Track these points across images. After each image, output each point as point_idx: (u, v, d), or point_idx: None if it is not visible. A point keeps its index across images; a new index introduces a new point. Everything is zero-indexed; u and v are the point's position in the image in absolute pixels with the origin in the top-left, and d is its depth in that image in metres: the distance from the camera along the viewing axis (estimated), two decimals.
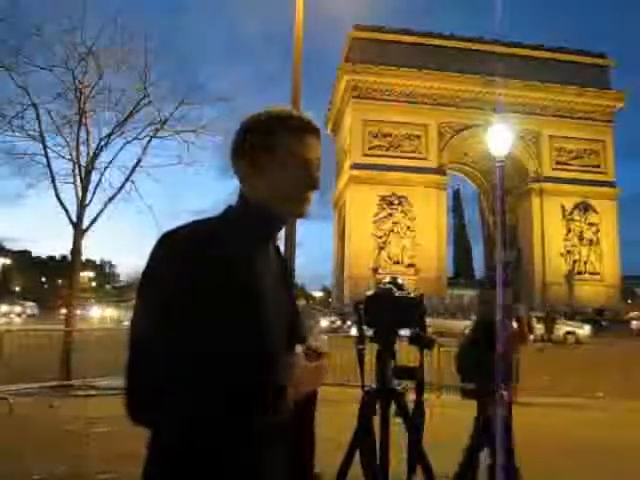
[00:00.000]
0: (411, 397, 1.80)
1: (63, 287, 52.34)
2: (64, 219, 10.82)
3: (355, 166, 48.16)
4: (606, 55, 54.74)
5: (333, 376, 8.58)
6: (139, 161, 11.58)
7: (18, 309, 45.46)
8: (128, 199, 11.56)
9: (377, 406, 1.82)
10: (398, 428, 1.79)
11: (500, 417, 3.84)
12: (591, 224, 51.15)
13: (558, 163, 51.56)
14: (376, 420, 1.81)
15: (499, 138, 10.91)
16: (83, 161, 11.08)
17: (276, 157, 1.26)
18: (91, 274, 78.44)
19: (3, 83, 11.05)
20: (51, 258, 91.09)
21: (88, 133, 11.17)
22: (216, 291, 1.13)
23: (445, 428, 5.73)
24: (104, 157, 11.42)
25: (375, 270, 43.93)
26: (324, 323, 29.39)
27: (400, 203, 48.54)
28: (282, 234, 1.40)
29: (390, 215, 48.34)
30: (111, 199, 11.21)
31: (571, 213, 51.20)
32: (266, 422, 1.15)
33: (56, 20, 10.80)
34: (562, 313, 32.60)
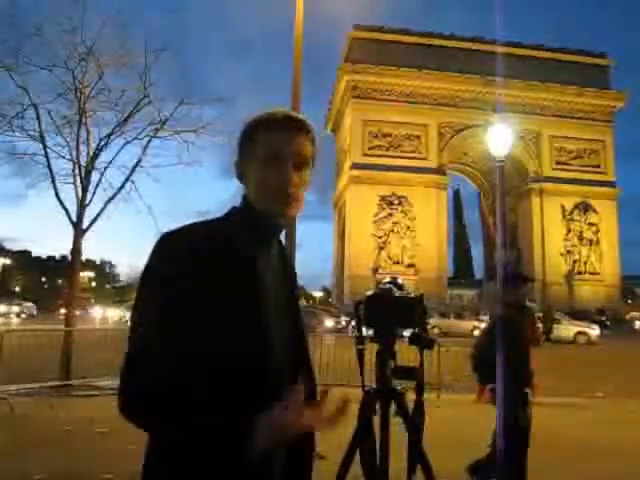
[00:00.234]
0: (411, 397, 1.80)
1: (63, 287, 52.36)
2: (64, 219, 10.83)
3: (355, 166, 48.17)
4: (606, 55, 54.77)
5: (333, 376, 8.58)
6: (139, 161, 11.58)
7: (16, 309, 45.44)
8: (128, 199, 11.56)
9: (377, 406, 1.82)
10: (398, 428, 1.79)
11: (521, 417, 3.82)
12: (591, 224, 51.17)
13: (558, 163, 51.58)
14: (376, 420, 1.82)
15: (499, 138, 10.93)
16: (83, 161, 11.08)
17: (254, 156, 1.26)
18: (91, 274, 78.46)
19: (3, 83, 11.05)
20: (51, 258, 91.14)
21: (88, 133, 11.17)
22: (215, 292, 1.13)
23: (445, 428, 5.73)
24: (104, 157, 11.42)
25: (375, 270, 43.95)
26: (329, 323, 29.23)
27: (400, 203, 48.54)
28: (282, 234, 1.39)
29: (390, 215, 48.35)
30: (111, 199, 11.21)
31: (571, 213, 51.22)
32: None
33: (56, 20, 10.79)
34: (566, 313, 32.37)
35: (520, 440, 3.84)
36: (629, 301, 62.90)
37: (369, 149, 48.89)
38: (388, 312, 1.79)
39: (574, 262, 50.36)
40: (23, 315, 44.64)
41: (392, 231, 48.15)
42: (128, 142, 11.69)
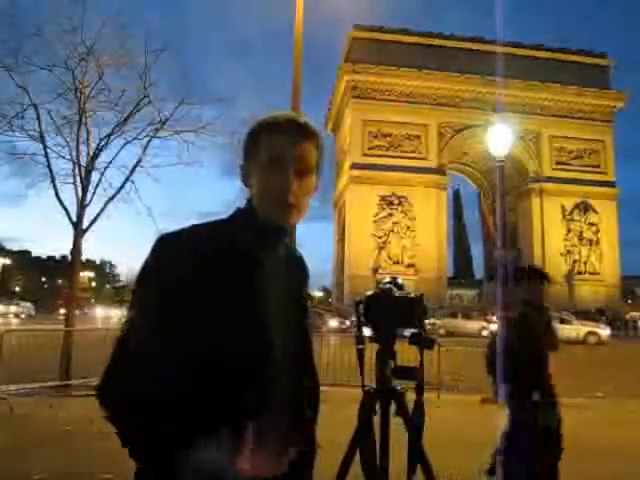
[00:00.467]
0: (411, 397, 1.80)
1: (63, 287, 52.35)
2: (64, 219, 10.83)
3: (355, 166, 48.17)
4: (606, 55, 54.77)
5: (333, 376, 8.59)
6: (139, 161, 11.58)
7: (14, 309, 45.39)
8: (128, 199, 11.56)
9: (377, 406, 1.82)
10: (398, 428, 1.79)
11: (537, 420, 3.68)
12: (591, 224, 51.17)
13: (558, 163, 51.58)
14: (376, 420, 1.81)
15: (499, 138, 10.97)
16: (83, 161, 11.08)
17: (257, 160, 1.23)
18: (91, 274, 78.49)
19: (3, 83, 11.05)
20: (51, 258, 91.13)
21: (88, 133, 11.17)
22: (215, 293, 1.13)
23: (445, 428, 5.74)
24: (104, 157, 11.43)
25: (375, 270, 43.95)
26: (334, 323, 29.12)
27: (400, 203, 48.54)
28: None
29: (390, 215, 48.35)
30: (111, 199, 11.21)
31: (571, 213, 51.22)
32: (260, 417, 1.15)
33: (56, 20, 10.79)
34: (572, 313, 32.25)
35: (544, 442, 3.71)
36: (629, 301, 62.90)
37: (369, 149, 48.88)
38: (388, 312, 1.79)
39: (574, 262, 50.35)
40: (22, 315, 44.60)
41: (392, 231, 48.15)
42: (128, 142, 11.69)
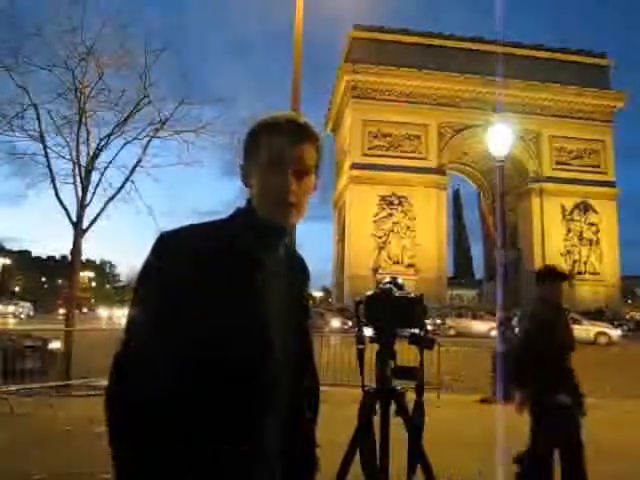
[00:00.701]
0: (411, 397, 1.80)
1: (63, 287, 52.32)
2: (64, 219, 10.84)
3: (355, 166, 48.16)
4: (606, 55, 54.73)
5: (333, 376, 8.59)
6: (139, 161, 11.60)
7: (12, 309, 45.32)
8: (128, 199, 11.58)
9: (377, 406, 1.82)
10: (398, 428, 1.79)
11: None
12: (591, 224, 51.14)
13: (558, 163, 51.55)
14: (376, 420, 1.82)
15: (499, 138, 10.96)
16: (83, 161, 11.09)
17: (257, 160, 1.23)
18: (91, 274, 78.47)
19: (3, 83, 11.07)
20: (51, 258, 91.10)
21: (88, 133, 11.18)
22: (215, 292, 1.13)
23: (445, 428, 5.74)
24: (104, 157, 11.44)
25: (375, 270, 43.92)
26: (336, 324, 28.95)
27: (400, 203, 48.52)
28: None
29: (390, 215, 48.32)
30: (111, 199, 11.22)
31: (571, 213, 51.20)
32: (259, 417, 1.15)
33: (56, 20, 10.80)
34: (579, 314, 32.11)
35: (563, 447, 3.65)
36: (629, 301, 62.91)
37: (369, 149, 48.86)
38: (388, 312, 1.79)
39: (574, 262, 50.32)
40: (22, 316, 44.52)
41: (392, 231, 48.12)
42: (128, 142, 11.71)
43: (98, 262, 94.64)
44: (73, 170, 11.03)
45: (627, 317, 44.30)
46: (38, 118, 10.86)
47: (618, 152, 54.36)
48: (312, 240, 53.65)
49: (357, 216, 47.76)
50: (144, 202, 11.84)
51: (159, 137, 11.83)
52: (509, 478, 3.90)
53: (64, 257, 68.26)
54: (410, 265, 47.31)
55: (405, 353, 1.98)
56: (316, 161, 1.28)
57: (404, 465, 1.75)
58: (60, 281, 74.80)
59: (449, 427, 6.09)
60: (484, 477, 4.60)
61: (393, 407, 1.80)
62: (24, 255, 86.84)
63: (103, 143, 11.34)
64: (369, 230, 47.77)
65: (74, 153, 10.99)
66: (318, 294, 78.01)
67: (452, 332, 29.17)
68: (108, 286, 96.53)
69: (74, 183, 10.97)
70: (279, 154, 1.21)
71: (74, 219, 10.86)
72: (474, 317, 31.93)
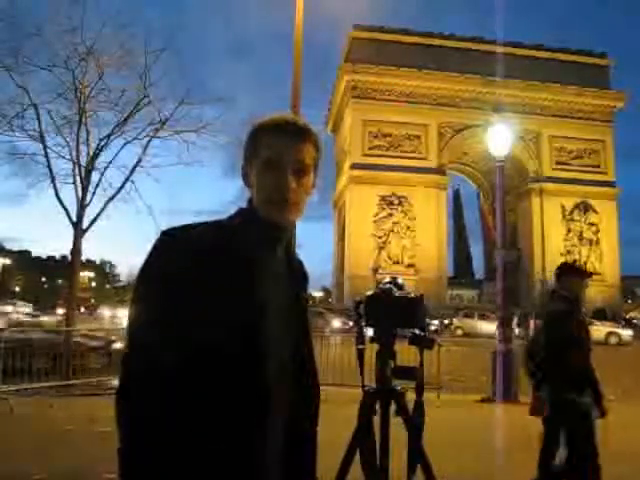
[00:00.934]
0: (411, 397, 1.80)
1: (63, 287, 52.32)
2: (64, 219, 10.86)
3: (355, 166, 48.16)
4: (606, 55, 54.73)
5: (333, 376, 8.59)
6: (139, 161, 11.61)
7: (10, 309, 45.18)
8: (128, 199, 11.59)
9: (377, 406, 1.82)
10: (398, 428, 1.79)
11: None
12: (591, 224, 51.15)
13: (558, 163, 51.55)
14: (376, 420, 1.82)
15: (499, 138, 10.95)
16: (83, 161, 11.11)
17: (256, 160, 1.25)
18: (91, 274, 78.43)
19: (3, 83, 11.08)
20: (51, 258, 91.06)
21: (88, 133, 11.19)
22: (213, 291, 1.14)
23: (445, 428, 5.73)
24: (104, 157, 11.46)
25: (375, 270, 43.91)
26: (337, 324, 28.86)
27: (400, 203, 48.52)
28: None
29: (390, 215, 48.32)
30: (111, 199, 11.24)
31: (571, 213, 51.20)
32: (258, 418, 1.16)
33: (56, 20, 10.80)
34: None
35: (575, 450, 3.52)
36: (629, 301, 62.89)
37: (369, 149, 48.85)
38: (388, 312, 1.79)
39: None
40: (22, 316, 44.43)
41: (392, 231, 48.12)
42: (128, 142, 11.72)
43: (98, 262, 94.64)
44: (73, 170, 11.05)
45: (627, 317, 44.25)
46: (38, 118, 10.87)
47: (618, 152, 54.45)
48: (312, 240, 53.66)
49: (357, 216, 47.76)
50: (144, 202, 11.87)
51: (159, 137, 11.85)
52: (509, 478, 3.89)
53: (64, 257, 68.23)
54: (410, 265, 47.31)
55: (405, 353, 1.98)
56: (315, 161, 1.29)
57: (404, 465, 1.76)
58: (60, 281, 74.80)
59: (449, 427, 6.09)
60: (484, 477, 4.60)
61: (393, 407, 1.80)
62: (24, 255, 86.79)
63: (103, 143, 11.36)
64: (369, 230, 47.77)
65: (74, 153, 11.01)
66: (318, 294, 78.02)
67: (459, 332, 29.01)
68: (108, 286, 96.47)
69: (74, 183, 10.98)
70: (278, 153, 1.22)
71: (74, 219, 10.87)
72: (481, 317, 31.71)
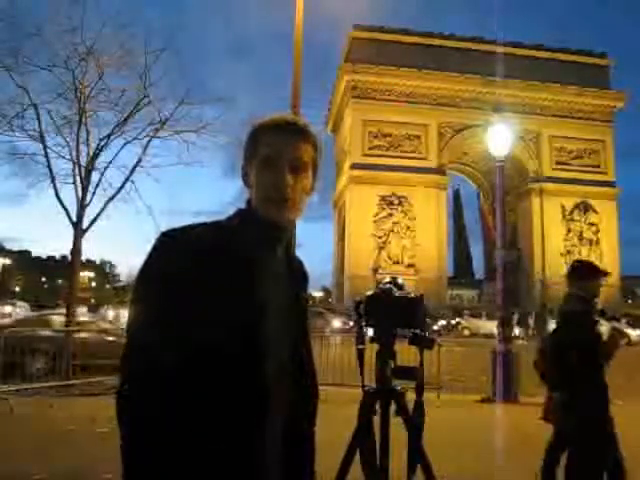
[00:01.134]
0: (411, 397, 1.80)
1: (63, 287, 52.33)
2: (64, 219, 10.86)
3: (355, 166, 48.15)
4: (606, 55, 54.72)
5: (333, 376, 8.59)
6: (139, 161, 11.61)
7: (8, 309, 44.96)
8: (128, 199, 11.59)
9: (377, 406, 1.82)
10: (398, 428, 1.79)
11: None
12: (591, 224, 51.15)
13: (558, 163, 51.55)
14: (376, 420, 1.82)
15: (499, 138, 10.95)
16: (83, 161, 11.11)
17: (255, 159, 1.26)
18: (91, 274, 78.41)
19: (3, 83, 11.09)
20: (51, 258, 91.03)
21: (88, 133, 11.19)
22: (213, 291, 1.14)
23: (445, 428, 5.73)
24: (104, 157, 11.46)
25: (375, 270, 43.92)
26: (337, 324, 28.84)
27: (400, 203, 48.51)
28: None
29: (390, 215, 48.31)
30: (111, 199, 11.24)
31: (571, 213, 51.20)
32: (257, 418, 1.16)
33: (56, 20, 10.81)
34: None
35: (584, 459, 3.33)
36: (629, 301, 62.87)
37: (369, 149, 48.84)
38: (388, 312, 1.79)
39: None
40: (21, 316, 44.28)
41: (392, 231, 48.11)
42: (128, 142, 11.72)
43: (98, 262, 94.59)
44: (73, 170, 11.05)
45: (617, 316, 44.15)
46: (38, 118, 10.87)
47: (618, 152, 54.44)
48: (312, 240, 53.69)
49: (357, 216, 47.75)
50: (144, 202, 11.86)
51: (159, 137, 11.85)
52: (509, 478, 3.89)
53: (64, 257, 68.21)
54: (410, 265, 47.30)
55: (405, 353, 1.98)
56: (313, 160, 1.29)
57: (404, 465, 1.75)
58: (60, 281, 74.81)
59: (449, 427, 6.09)
60: (484, 477, 4.61)
61: (393, 407, 1.80)
62: (24, 255, 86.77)
63: (103, 143, 11.36)
64: (369, 230, 47.76)
65: (74, 153, 11.01)
66: (318, 294, 78.00)
67: (466, 332, 28.89)
68: (108, 286, 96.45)
69: (74, 183, 10.98)
70: (275, 151, 1.23)
71: (74, 219, 10.87)
72: (489, 317, 31.74)
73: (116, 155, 11.61)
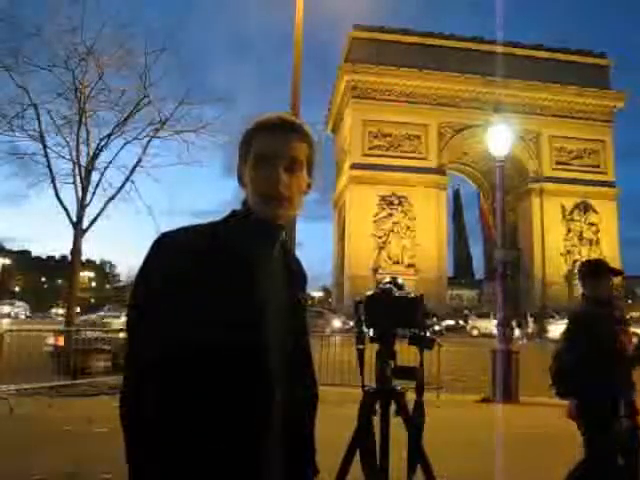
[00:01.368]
0: (411, 397, 1.80)
1: (63, 287, 52.34)
2: (64, 219, 10.86)
3: (355, 166, 48.15)
4: (606, 55, 54.74)
5: (333, 376, 8.59)
6: (139, 161, 11.62)
7: (7, 309, 44.78)
8: (128, 199, 11.60)
9: (377, 406, 1.82)
10: (398, 428, 1.79)
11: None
12: (591, 224, 51.16)
13: (558, 163, 51.56)
14: (376, 420, 1.81)
15: (499, 138, 10.94)
16: (83, 161, 11.11)
17: (249, 158, 1.26)
18: (91, 274, 78.41)
19: (3, 83, 11.09)
20: (51, 258, 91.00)
21: (88, 133, 11.20)
22: (211, 291, 1.14)
23: (445, 428, 5.73)
24: (104, 157, 11.47)
25: (375, 270, 43.93)
26: (337, 324, 28.84)
27: (400, 203, 48.51)
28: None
29: (390, 215, 48.31)
30: (111, 199, 11.25)
31: (571, 213, 51.20)
32: (258, 417, 1.16)
33: (56, 20, 10.81)
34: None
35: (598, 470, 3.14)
36: (629, 301, 62.86)
37: (369, 149, 48.85)
38: (388, 312, 1.79)
39: (574, 262, 50.22)
40: (22, 316, 44.15)
41: (392, 231, 48.11)
42: (128, 142, 11.73)
43: (98, 262, 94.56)
44: (73, 170, 11.06)
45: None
46: (38, 118, 10.88)
47: (618, 152, 54.46)
48: (312, 240, 53.66)
49: (357, 216, 47.75)
50: (144, 202, 11.87)
51: (159, 137, 11.86)
52: (509, 478, 3.88)
53: (64, 257, 68.18)
54: (410, 265, 47.30)
55: (405, 353, 1.98)
56: (308, 158, 1.29)
57: (404, 465, 1.75)
58: (60, 281, 74.79)
59: (449, 427, 6.09)
60: (484, 477, 4.60)
61: (393, 407, 1.80)
62: (24, 255, 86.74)
63: (103, 143, 11.37)
64: (369, 230, 47.76)
65: (74, 153, 11.01)
66: (318, 294, 78.00)
67: (475, 332, 28.83)
68: (108, 286, 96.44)
69: (74, 183, 10.99)
70: (270, 149, 1.24)
71: (74, 219, 10.87)
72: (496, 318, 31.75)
73: (116, 155, 11.63)
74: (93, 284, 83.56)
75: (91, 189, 11.11)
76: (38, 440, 5.60)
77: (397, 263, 47.22)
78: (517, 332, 26.05)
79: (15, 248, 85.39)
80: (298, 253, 1.45)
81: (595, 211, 51.13)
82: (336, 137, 58.10)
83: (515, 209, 52.93)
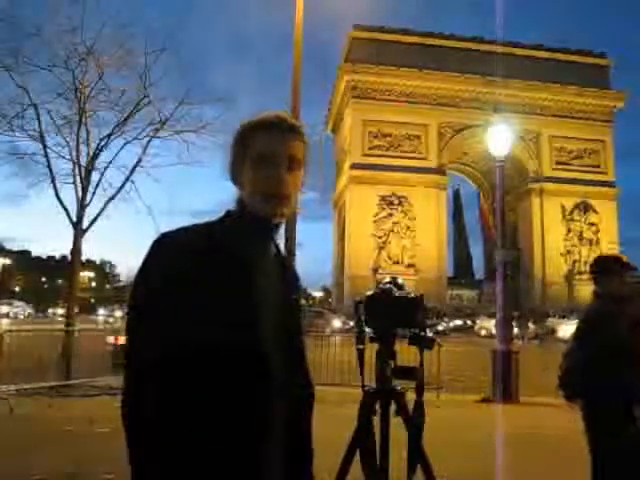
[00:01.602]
0: (411, 397, 1.80)
1: (63, 287, 52.35)
2: (64, 219, 10.85)
3: (355, 166, 48.18)
4: (606, 55, 54.79)
5: (333, 376, 8.59)
6: (139, 161, 11.61)
7: (7, 309, 44.66)
8: (128, 199, 11.59)
9: (377, 406, 1.82)
10: (398, 428, 1.79)
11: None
12: (591, 224, 51.20)
13: (558, 163, 51.60)
14: (376, 420, 1.81)
15: (499, 138, 10.94)
16: (83, 161, 11.10)
17: (247, 157, 1.26)
18: (91, 274, 78.44)
19: (3, 83, 11.07)
20: (51, 258, 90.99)
21: (88, 133, 11.19)
22: (209, 290, 1.15)
23: (445, 428, 5.73)
24: (104, 157, 11.45)
25: (375, 270, 43.95)
26: (337, 324, 28.85)
27: (400, 203, 48.55)
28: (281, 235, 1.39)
29: (390, 215, 48.36)
30: (111, 199, 11.24)
31: (571, 213, 51.25)
32: (257, 417, 1.16)
33: (56, 20, 10.80)
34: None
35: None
36: None
37: (369, 149, 48.89)
38: (388, 312, 1.79)
39: (574, 262, 50.33)
40: (21, 316, 44.03)
41: (392, 231, 48.15)
42: (128, 142, 11.72)
43: (98, 262, 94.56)
44: (73, 170, 11.05)
45: None
46: (38, 118, 10.87)
47: (618, 152, 54.51)
48: (312, 240, 53.50)
49: (357, 216, 47.78)
50: (144, 202, 11.86)
51: (159, 137, 11.84)
52: (509, 478, 3.88)
53: (64, 257, 68.17)
54: (410, 265, 47.33)
55: (405, 353, 1.98)
56: (304, 156, 1.31)
57: (404, 465, 1.75)
58: (60, 281, 74.79)
59: (449, 427, 6.09)
60: (484, 477, 4.60)
61: (393, 407, 1.80)
62: (24, 255, 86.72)
63: (103, 143, 11.36)
64: (369, 230, 47.79)
65: (74, 153, 11.00)
66: (318, 294, 78.03)
67: (483, 332, 28.80)
68: (108, 286, 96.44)
69: (74, 183, 10.98)
70: (272, 149, 1.24)
71: (74, 219, 10.87)
72: None
73: (116, 155, 11.62)
74: (93, 284, 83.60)
75: (91, 189, 11.10)
76: (38, 440, 5.60)
77: (397, 263, 47.25)
78: (516, 331, 26.02)
79: (15, 248, 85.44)
80: (298, 253, 1.46)
81: (595, 211, 51.16)
82: (336, 137, 58.11)
83: (515, 209, 52.94)
